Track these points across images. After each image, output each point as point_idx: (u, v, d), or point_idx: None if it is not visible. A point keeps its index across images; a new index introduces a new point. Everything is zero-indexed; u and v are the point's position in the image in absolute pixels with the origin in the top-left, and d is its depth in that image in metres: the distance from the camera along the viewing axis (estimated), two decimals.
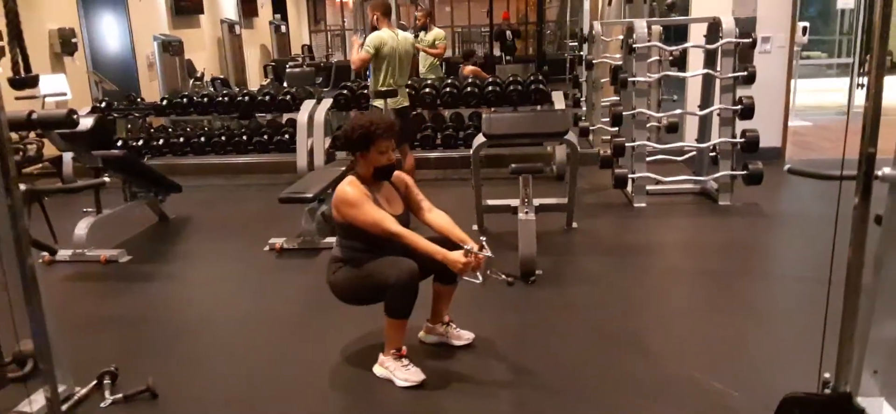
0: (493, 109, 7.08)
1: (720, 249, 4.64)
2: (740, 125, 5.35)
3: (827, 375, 2.26)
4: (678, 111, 6.41)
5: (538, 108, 6.87)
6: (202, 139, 7.19)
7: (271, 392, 2.92)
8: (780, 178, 5.91)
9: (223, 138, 7.14)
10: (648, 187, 5.63)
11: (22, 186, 2.53)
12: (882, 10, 1.82)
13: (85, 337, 3.60)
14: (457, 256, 2.73)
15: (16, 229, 2.37)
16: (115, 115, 7.47)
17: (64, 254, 4.71)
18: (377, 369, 2.97)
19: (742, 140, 5.32)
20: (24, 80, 2.12)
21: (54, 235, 2.74)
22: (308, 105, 6.81)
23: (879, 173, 2.51)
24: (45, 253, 2.63)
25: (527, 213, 4.05)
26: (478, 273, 2.78)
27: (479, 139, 4.43)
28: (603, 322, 3.45)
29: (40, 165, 7.16)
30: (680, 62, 7.40)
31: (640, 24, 5.52)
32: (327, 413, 2.77)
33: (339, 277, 2.95)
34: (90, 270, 4.59)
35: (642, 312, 3.61)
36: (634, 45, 5.42)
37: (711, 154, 5.66)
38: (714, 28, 5.52)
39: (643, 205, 5.54)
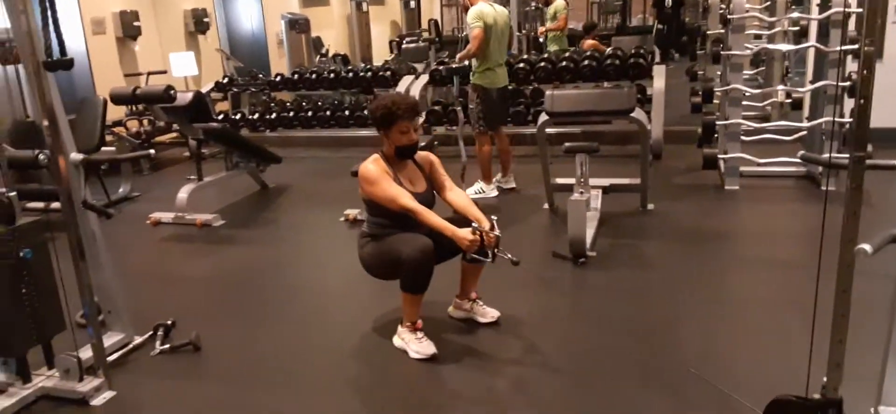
0: (600, 84, 6.86)
1: (806, 238, 4.25)
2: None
3: (826, 378, 2.07)
4: (781, 87, 5.90)
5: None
6: (309, 113, 7.59)
7: (299, 352, 3.12)
8: None
9: (327, 112, 7.50)
10: (743, 169, 5.26)
11: (78, 156, 2.85)
12: None
13: (161, 291, 4.01)
14: (465, 233, 2.77)
15: (69, 199, 2.71)
16: (236, 90, 8.07)
17: (167, 216, 5.24)
18: (395, 340, 3.07)
19: (850, 119, 4.81)
20: (57, 63, 2.39)
21: (109, 198, 3.05)
22: (406, 81, 7.02)
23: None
24: (103, 214, 2.93)
25: (581, 193, 3.95)
26: (488, 251, 2.80)
27: (543, 117, 4.36)
28: (641, 309, 3.31)
29: (172, 135, 7.93)
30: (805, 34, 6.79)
31: None
32: (341, 375, 2.90)
33: (365, 252, 3.08)
34: (186, 231, 5.06)
35: (689, 300, 3.41)
36: (730, 16, 5.05)
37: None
38: None
39: (736, 187, 5.20)
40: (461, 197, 3.07)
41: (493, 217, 2.85)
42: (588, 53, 6.84)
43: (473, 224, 2.80)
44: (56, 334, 2.83)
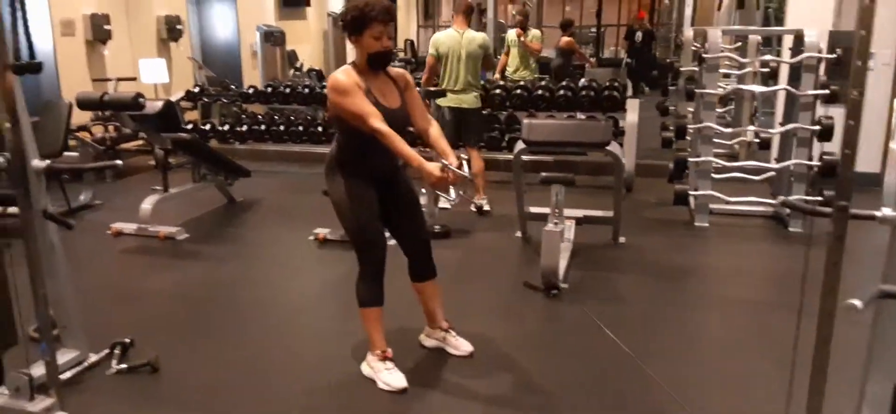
0: (576, 114, 6.91)
1: (772, 279, 4.30)
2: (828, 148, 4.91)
3: None
4: (751, 127, 6.00)
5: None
6: (281, 127, 7.49)
7: (261, 378, 3.01)
8: (874, 207, 5.38)
9: (300, 128, 7.41)
10: (713, 207, 5.31)
11: (42, 163, 2.73)
12: None
13: (120, 306, 3.87)
14: (433, 167, 2.65)
15: (28, 207, 2.59)
16: (207, 100, 7.94)
17: (129, 227, 5.08)
18: (364, 368, 2.99)
19: (819, 163, 4.90)
20: (25, 66, 2.30)
21: (71, 208, 2.93)
22: None
23: (878, 214, 2.28)
24: (66, 226, 2.81)
25: (555, 223, 3.94)
26: (452, 191, 2.73)
27: (520, 145, 4.35)
28: (610, 344, 3.29)
29: (138, 142, 7.73)
30: (775, 76, 6.93)
31: (714, 34, 5.21)
32: (304, 405, 2.82)
33: (333, 194, 2.89)
34: (149, 244, 4.91)
35: (656, 336, 3.42)
36: (704, 55, 5.12)
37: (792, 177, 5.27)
38: (798, 41, 5.12)
39: (705, 225, 5.24)
40: (434, 128, 2.94)
41: (463, 157, 2.78)
42: (564, 83, 6.88)
43: (444, 161, 2.69)
44: (8, 348, 2.69)
